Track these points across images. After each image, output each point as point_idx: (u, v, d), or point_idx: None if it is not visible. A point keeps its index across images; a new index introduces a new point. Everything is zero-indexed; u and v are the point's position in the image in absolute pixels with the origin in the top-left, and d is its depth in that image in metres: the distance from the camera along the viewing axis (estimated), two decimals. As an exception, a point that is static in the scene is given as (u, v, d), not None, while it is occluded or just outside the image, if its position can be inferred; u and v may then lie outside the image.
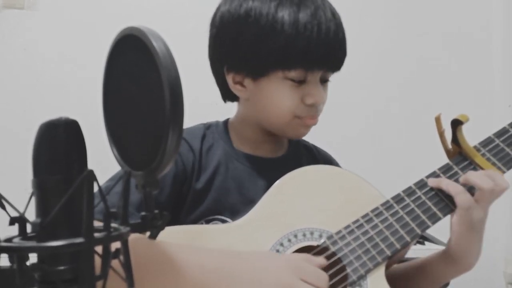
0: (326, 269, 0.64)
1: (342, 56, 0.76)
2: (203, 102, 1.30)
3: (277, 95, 0.75)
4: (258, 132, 0.81)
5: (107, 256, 0.30)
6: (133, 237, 0.32)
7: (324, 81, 0.78)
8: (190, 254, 0.57)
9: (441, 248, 0.75)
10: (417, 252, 0.82)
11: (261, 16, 0.72)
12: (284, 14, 0.71)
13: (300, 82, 0.74)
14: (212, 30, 0.80)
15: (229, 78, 0.78)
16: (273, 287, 0.57)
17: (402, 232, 0.68)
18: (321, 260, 0.65)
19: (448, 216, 0.70)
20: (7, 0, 1.69)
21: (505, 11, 1.87)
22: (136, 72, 0.35)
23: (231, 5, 0.76)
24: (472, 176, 0.68)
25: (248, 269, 0.59)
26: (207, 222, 0.73)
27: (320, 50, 0.72)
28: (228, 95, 0.83)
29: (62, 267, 0.29)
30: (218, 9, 0.79)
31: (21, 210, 0.29)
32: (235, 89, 0.79)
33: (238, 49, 0.75)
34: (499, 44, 1.89)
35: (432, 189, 0.71)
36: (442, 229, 0.74)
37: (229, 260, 0.59)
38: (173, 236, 0.63)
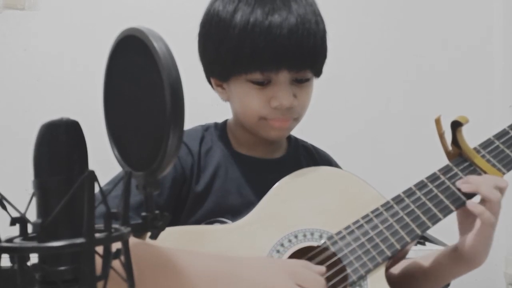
0: (326, 269, 0.65)
1: (305, 56, 0.71)
2: (202, 102, 1.30)
3: (244, 97, 0.75)
4: (249, 133, 0.81)
5: (108, 256, 0.30)
6: (133, 242, 0.32)
7: (300, 81, 0.74)
8: (190, 259, 0.57)
9: (440, 248, 0.75)
10: (418, 252, 0.82)
11: (220, 20, 0.72)
12: (238, 16, 0.70)
13: (265, 84, 0.72)
14: None
15: (212, 81, 0.80)
16: None
17: (402, 233, 0.68)
18: (321, 267, 0.64)
19: (449, 216, 0.70)
20: (7, 0, 1.69)
21: (506, 12, 1.87)
22: (136, 72, 0.35)
23: (205, 9, 0.77)
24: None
25: (247, 273, 0.59)
26: (208, 224, 0.73)
27: (270, 51, 0.69)
28: None
29: (63, 268, 0.29)
30: None
31: (22, 211, 0.30)
32: (217, 91, 0.81)
33: (206, 53, 0.77)
34: (499, 44, 1.89)
35: (432, 190, 0.71)
36: (442, 229, 0.74)
37: (228, 264, 0.59)
38: (173, 236, 0.63)
